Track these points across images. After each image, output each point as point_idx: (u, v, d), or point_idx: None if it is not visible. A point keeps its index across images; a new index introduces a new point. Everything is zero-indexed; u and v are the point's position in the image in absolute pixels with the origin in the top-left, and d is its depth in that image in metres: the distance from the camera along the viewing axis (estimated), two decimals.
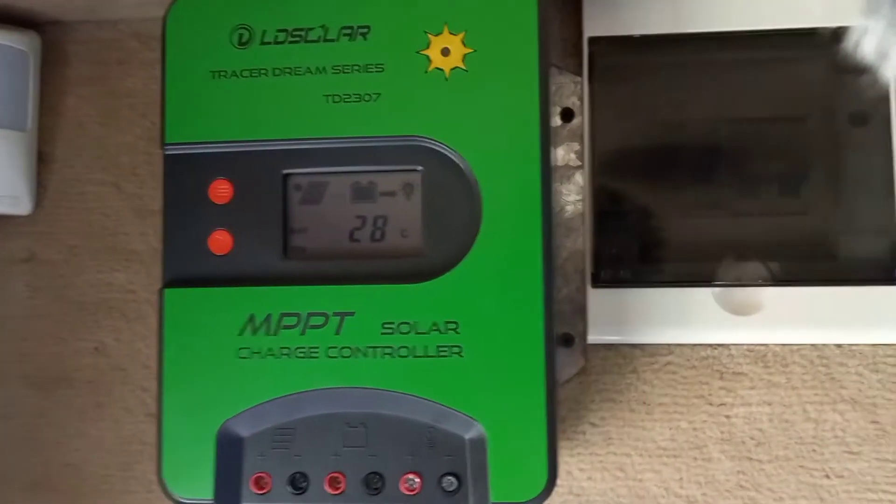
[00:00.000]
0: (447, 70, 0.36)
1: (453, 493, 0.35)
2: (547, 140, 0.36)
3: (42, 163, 0.47)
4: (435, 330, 0.35)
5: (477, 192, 0.36)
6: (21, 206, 0.46)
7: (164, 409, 0.37)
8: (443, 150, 0.36)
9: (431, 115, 0.36)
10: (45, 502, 0.46)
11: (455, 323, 0.35)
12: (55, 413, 0.46)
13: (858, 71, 0.41)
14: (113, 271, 0.46)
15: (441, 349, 0.35)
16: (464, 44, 0.36)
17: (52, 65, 0.47)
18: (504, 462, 0.35)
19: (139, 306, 0.46)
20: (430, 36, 0.36)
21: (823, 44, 0.41)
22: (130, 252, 0.46)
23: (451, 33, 0.36)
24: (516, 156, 0.36)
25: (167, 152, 0.38)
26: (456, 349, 0.35)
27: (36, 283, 0.47)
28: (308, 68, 0.37)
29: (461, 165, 0.36)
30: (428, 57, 0.36)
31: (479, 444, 0.35)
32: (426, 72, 0.36)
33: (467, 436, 0.35)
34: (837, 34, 0.41)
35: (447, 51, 0.36)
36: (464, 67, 0.36)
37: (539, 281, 0.35)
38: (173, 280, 0.37)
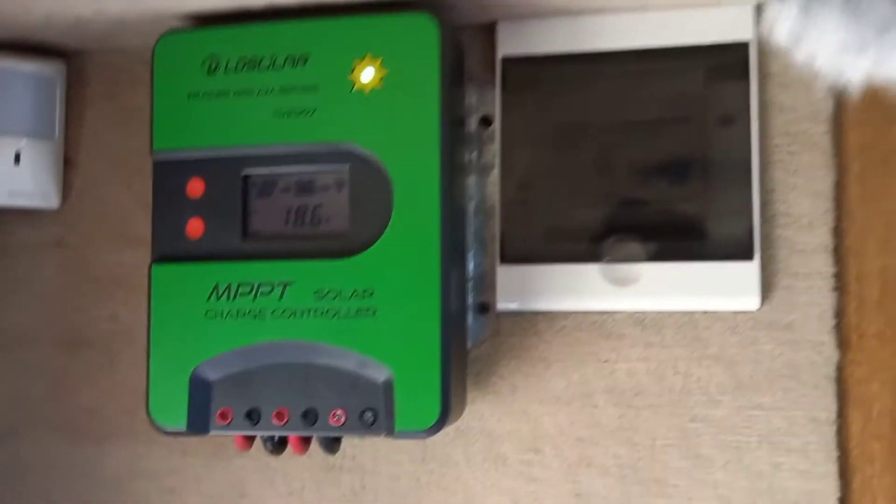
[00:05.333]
0: (368, 89, 0.45)
1: (370, 424, 0.45)
2: (447, 143, 0.45)
3: (67, 166, 0.58)
4: (354, 295, 0.45)
5: (390, 187, 0.45)
6: (51, 201, 0.57)
7: (150, 360, 0.47)
8: (365, 154, 0.46)
9: (356, 126, 0.46)
10: (70, 441, 0.57)
11: (371, 289, 0.45)
12: (77, 368, 0.57)
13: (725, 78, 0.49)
14: (123, 253, 0.57)
15: (360, 311, 0.45)
16: (381, 67, 0.45)
17: (75, 85, 0.58)
18: (407, 400, 0.44)
19: (145, 281, 0.56)
20: (354, 62, 0.46)
21: (697, 56, 0.49)
22: (137, 237, 0.56)
23: (371, 59, 0.45)
24: (421, 157, 0.45)
25: (155, 158, 0.48)
26: (371, 310, 0.45)
27: (63, 263, 0.58)
28: (261, 90, 0.47)
29: (379, 165, 0.45)
30: (353, 79, 0.46)
31: (389, 387, 0.44)
32: (352, 91, 0.46)
33: (381, 380, 0.45)
34: (709, 49, 0.49)
35: (368, 73, 0.46)
36: (380, 87, 0.45)
37: (437, 257, 0.44)
38: (159, 258, 0.48)
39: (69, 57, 0.58)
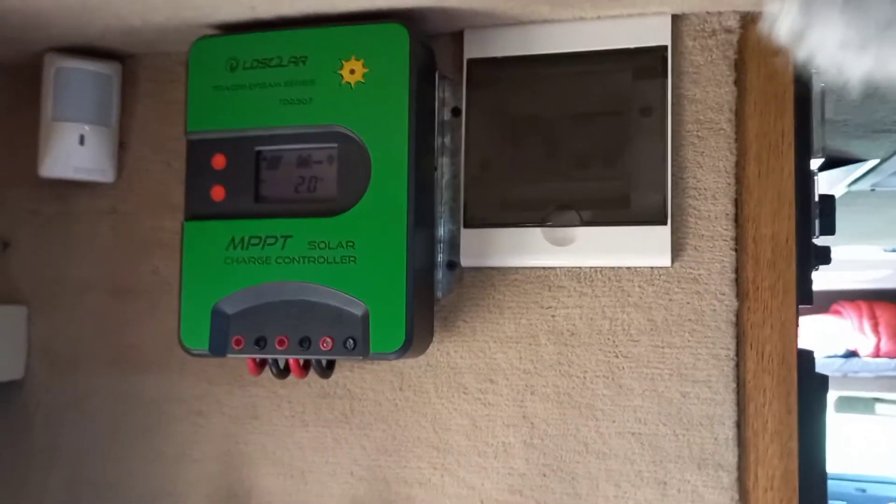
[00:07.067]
0: (353, 83, 0.57)
1: (352, 349, 0.56)
2: (415, 128, 0.56)
3: (121, 148, 0.71)
4: (339, 246, 0.56)
5: (369, 162, 0.57)
6: (107, 176, 0.70)
7: (182, 297, 0.59)
8: (350, 134, 0.57)
9: (343, 112, 0.57)
10: (119, 371, 0.70)
11: (352, 242, 0.56)
12: (125, 312, 0.70)
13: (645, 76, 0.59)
14: (164, 220, 0.69)
15: (344, 259, 0.56)
16: (364, 66, 0.57)
17: (128, 83, 0.71)
18: (379, 330, 0.55)
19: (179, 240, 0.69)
20: (343, 61, 0.58)
21: (625, 59, 0.60)
22: (175, 207, 0.69)
23: (355, 59, 0.57)
24: (394, 138, 0.56)
25: (188, 137, 0.61)
26: (352, 258, 0.56)
27: (116, 227, 0.71)
28: (270, 83, 0.59)
29: (361, 144, 0.57)
30: (342, 75, 0.57)
31: (365, 319, 0.56)
32: (340, 84, 0.57)
33: (359, 314, 0.56)
34: (634, 52, 0.60)
35: (353, 70, 0.57)
36: (363, 81, 0.57)
37: (404, 218, 0.56)
38: (190, 216, 0.60)
39: (124, 60, 0.71)
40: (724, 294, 0.58)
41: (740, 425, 0.57)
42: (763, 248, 0.58)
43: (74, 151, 0.68)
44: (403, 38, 0.57)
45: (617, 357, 0.59)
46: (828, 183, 1.37)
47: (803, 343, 0.58)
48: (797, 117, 0.59)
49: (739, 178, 0.58)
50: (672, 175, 0.58)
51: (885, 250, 2.92)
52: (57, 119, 0.67)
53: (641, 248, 0.58)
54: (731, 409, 0.57)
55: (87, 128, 0.68)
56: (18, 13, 0.60)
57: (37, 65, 0.68)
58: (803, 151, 0.61)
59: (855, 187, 1.34)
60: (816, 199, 0.66)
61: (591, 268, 0.60)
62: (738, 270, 0.58)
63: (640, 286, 0.59)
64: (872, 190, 1.37)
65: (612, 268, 0.60)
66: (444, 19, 0.61)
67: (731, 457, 0.57)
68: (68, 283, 0.71)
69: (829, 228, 0.67)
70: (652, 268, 0.59)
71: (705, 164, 0.58)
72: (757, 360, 0.57)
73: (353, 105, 0.57)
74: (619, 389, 0.59)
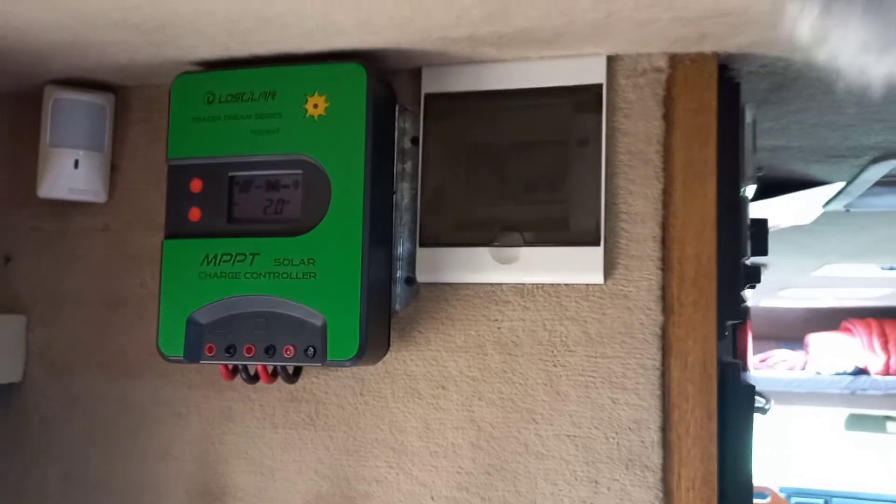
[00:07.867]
0: (317, 116, 0.64)
1: (312, 356, 0.62)
2: (372, 156, 0.62)
3: (113, 171, 0.77)
4: (301, 263, 0.62)
5: (329, 187, 0.63)
6: (100, 196, 0.76)
7: (160, 307, 0.66)
8: (313, 162, 0.63)
9: (307, 142, 0.64)
10: (109, 376, 0.76)
11: (313, 259, 0.62)
12: (116, 322, 0.76)
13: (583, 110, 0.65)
14: (152, 237, 0.76)
15: (305, 274, 0.62)
16: (326, 101, 0.63)
17: (120, 112, 0.78)
18: (336, 339, 0.61)
19: None
20: (307, 96, 0.64)
21: (565, 94, 0.66)
22: (161, 225, 0.75)
23: (319, 95, 0.64)
24: (352, 165, 0.62)
25: (169, 163, 0.67)
26: (313, 274, 0.62)
27: (108, 243, 0.77)
28: (243, 115, 0.65)
29: (322, 170, 0.63)
30: (306, 108, 0.64)
31: (324, 329, 0.62)
32: (305, 117, 0.64)
33: (318, 324, 0.62)
34: (574, 88, 0.65)
35: (317, 105, 0.64)
36: (325, 114, 0.63)
37: (359, 238, 0.62)
38: (169, 235, 0.66)
39: (117, 91, 0.77)
40: (651, 309, 0.63)
41: (665, 430, 0.63)
42: (687, 267, 0.63)
43: (70, 174, 0.74)
44: (361, 76, 0.63)
45: (555, 366, 0.65)
46: (804, 205, 1.42)
47: (751, 356, 0.64)
48: (728, 146, 0.65)
49: (666, 204, 0.64)
50: (605, 200, 0.64)
51: (883, 268, 2.93)
52: (54, 145, 0.74)
53: (577, 266, 0.64)
54: (657, 415, 0.62)
55: (81, 153, 0.75)
56: (20, 50, 0.67)
57: (37, 95, 0.75)
58: (733, 178, 0.67)
59: (829, 208, 1.38)
60: (748, 222, 0.71)
61: (533, 284, 0.66)
62: (664, 288, 0.63)
63: (576, 301, 0.65)
64: (847, 211, 1.41)
65: (552, 284, 0.65)
66: (403, 58, 0.67)
67: (656, 458, 0.62)
68: (65, 295, 0.78)
69: (760, 250, 0.72)
70: (587, 285, 0.65)
71: (635, 191, 0.64)
72: (681, 370, 0.63)
73: (316, 136, 0.63)
74: (557, 395, 0.64)
